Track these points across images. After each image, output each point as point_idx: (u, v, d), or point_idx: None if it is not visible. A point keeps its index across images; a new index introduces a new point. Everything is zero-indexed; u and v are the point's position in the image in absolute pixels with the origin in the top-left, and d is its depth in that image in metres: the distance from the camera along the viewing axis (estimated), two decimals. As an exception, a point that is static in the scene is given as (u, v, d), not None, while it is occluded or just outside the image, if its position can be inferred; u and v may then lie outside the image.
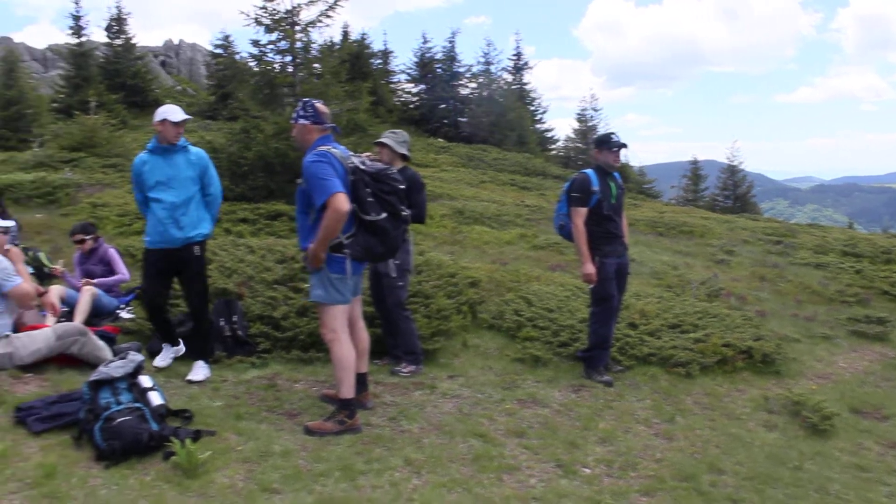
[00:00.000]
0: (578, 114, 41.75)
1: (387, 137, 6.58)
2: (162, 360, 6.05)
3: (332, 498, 4.08)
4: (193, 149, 6.11)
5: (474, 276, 9.30)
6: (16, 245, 9.03)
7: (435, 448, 4.87)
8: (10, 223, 5.97)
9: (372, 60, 41.16)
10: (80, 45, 30.39)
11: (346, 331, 5.05)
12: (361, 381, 5.40)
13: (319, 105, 5.09)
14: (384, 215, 4.89)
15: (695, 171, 40.11)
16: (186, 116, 6.02)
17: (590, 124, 41.33)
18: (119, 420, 4.37)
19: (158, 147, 5.90)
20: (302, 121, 5.04)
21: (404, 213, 5.05)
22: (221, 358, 6.38)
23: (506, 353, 7.42)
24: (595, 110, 41.57)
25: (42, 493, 3.86)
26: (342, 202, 4.66)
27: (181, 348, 6.24)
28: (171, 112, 5.91)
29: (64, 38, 31.59)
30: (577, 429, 5.52)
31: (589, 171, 6.68)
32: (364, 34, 42.47)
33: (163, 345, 6.22)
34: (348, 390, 5.00)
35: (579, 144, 41.28)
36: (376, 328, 6.75)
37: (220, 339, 6.55)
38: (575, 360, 7.06)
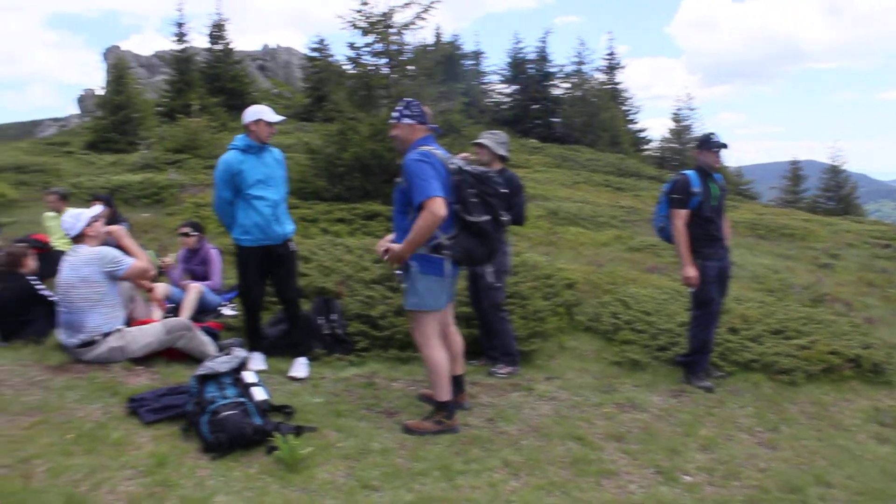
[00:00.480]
0: (673, 113, 40.92)
1: (486, 138, 6.57)
2: (256, 366, 6.11)
3: (431, 497, 4.10)
4: (274, 149, 6.23)
5: (570, 278, 9.21)
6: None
7: (533, 450, 4.84)
8: (97, 209, 6.17)
9: (464, 62, 41.31)
10: (182, 51, 31.44)
11: (437, 335, 5.03)
12: (458, 382, 5.40)
13: (424, 105, 5.11)
14: (487, 218, 4.84)
15: (795, 172, 38.75)
16: (281, 117, 6.13)
17: (685, 124, 40.46)
18: (224, 414, 4.49)
19: (252, 146, 5.99)
20: (406, 120, 5.00)
21: (504, 218, 5.02)
22: (321, 355, 6.49)
23: (603, 355, 7.33)
24: (690, 109, 40.69)
25: (154, 481, 4.00)
26: (440, 206, 4.62)
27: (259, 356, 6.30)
28: (267, 112, 6.01)
29: (168, 44, 32.80)
30: (678, 435, 5.40)
31: (689, 172, 6.54)
32: (456, 36, 42.60)
33: (252, 353, 6.21)
34: (445, 393, 5.00)
35: (674, 144, 40.43)
36: (473, 328, 6.77)
37: (320, 337, 6.67)
38: (674, 364, 6.91)
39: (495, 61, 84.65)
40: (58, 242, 9.50)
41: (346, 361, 6.46)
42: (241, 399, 4.65)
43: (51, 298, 6.20)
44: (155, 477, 4.04)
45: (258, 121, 5.94)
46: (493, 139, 6.56)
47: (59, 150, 23.98)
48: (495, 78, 44.58)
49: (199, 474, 4.13)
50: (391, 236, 5.16)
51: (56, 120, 44.00)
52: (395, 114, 5.09)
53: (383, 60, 15.46)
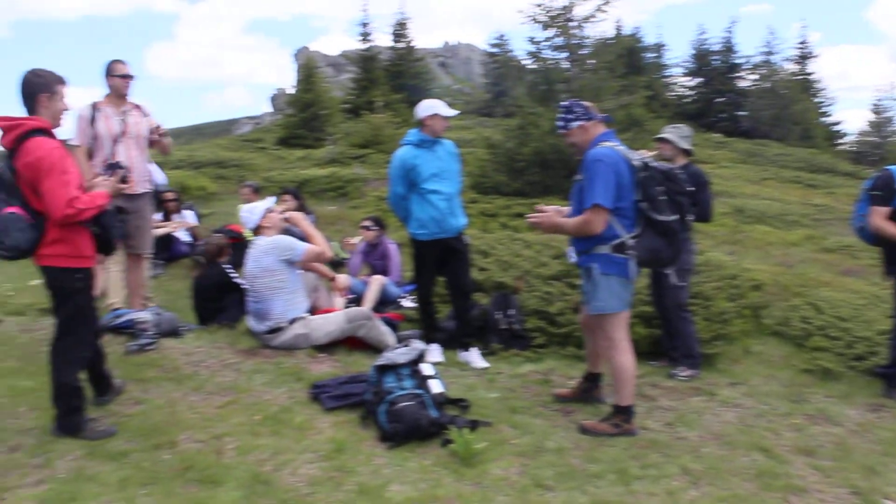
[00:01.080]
0: (873, 104, 37.96)
1: (669, 132, 6.33)
2: (433, 358, 6.18)
3: (606, 501, 3.97)
4: (446, 141, 6.24)
5: (757, 279, 8.74)
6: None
7: (714, 459, 4.59)
8: (271, 201, 6.45)
9: (645, 55, 40.21)
10: (367, 50, 32.55)
11: (625, 337, 4.85)
12: (594, 378, 5.35)
13: (584, 101, 4.93)
14: (675, 217, 4.63)
15: None
16: (455, 112, 6.14)
17: (886, 115, 37.38)
18: (402, 404, 4.57)
19: (426, 140, 6.04)
20: (575, 124, 4.82)
21: (690, 217, 4.81)
22: (497, 350, 6.49)
23: (792, 362, 6.89)
24: (893, 100, 37.63)
25: (333, 466, 4.13)
26: (599, 218, 4.52)
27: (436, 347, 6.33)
28: (441, 107, 6.05)
29: (353, 44, 34.06)
30: (876, 453, 4.95)
31: (893, 167, 6.00)
32: (637, 28, 41.51)
33: (429, 345, 6.24)
34: (628, 398, 4.83)
35: (874, 138, 37.48)
36: (654, 328, 6.56)
37: (497, 332, 6.67)
38: (872, 375, 6.38)
39: (678, 53, 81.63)
40: (251, 234, 10.03)
41: (523, 357, 6.41)
42: (419, 391, 4.71)
43: (243, 286, 6.55)
44: (333, 462, 4.17)
45: (433, 115, 6.00)
46: (677, 133, 6.30)
47: (253, 147, 25.47)
48: (678, 70, 43.09)
49: (376, 462, 4.22)
50: (562, 208, 5.06)
51: (251, 118, 46.79)
52: (559, 123, 4.92)
53: (563, 54, 15.33)
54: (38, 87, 4.14)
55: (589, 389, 5.35)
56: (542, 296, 7.12)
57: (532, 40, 15.44)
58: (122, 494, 3.75)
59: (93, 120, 6.30)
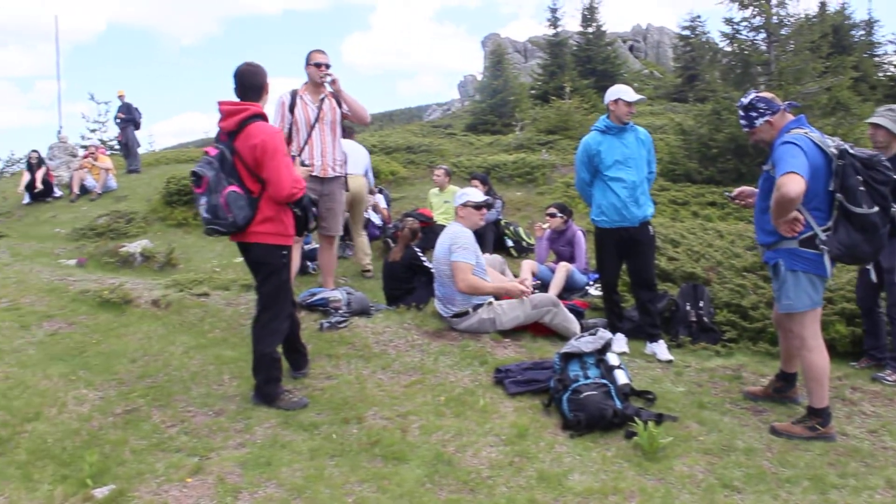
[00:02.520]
0: None
1: (881, 117, 5.76)
2: (618, 348, 6.01)
3: (801, 508, 3.74)
4: (639, 128, 6.07)
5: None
6: (499, 220, 9.88)
7: (928, 473, 4.20)
8: (479, 194, 6.45)
9: (853, 32, 37.37)
10: (555, 35, 32.31)
11: (818, 336, 4.52)
12: (788, 378, 5.04)
13: (762, 94, 4.58)
14: (875, 209, 4.20)
15: None
16: (640, 97, 5.95)
17: None
18: (586, 394, 4.50)
19: (612, 127, 5.92)
20: (762, 120, 4.50)
21: (894, 209, 4.34)
22: (685, 343, 6.28)
23: None
24: None
25: (514, 451, 4.13)
26: (794, 183, 4.03)
27: (621, 337, 6.19)
28: (625, 92, 5.88)
29: (542, 29, 33.89)
30: None
31: None
32: (845, 4, 38.51)
33: (615, 335, 6.11)
34: (822, 399, 4.50)
35: None
36: (855, 327, 6.10)
37: (685, 324, 6.45)
38: None
39: (892, 30, 75.41)
40: (439, 217, 10.24)
41: (712, 351, 6.16)
42: (604, 381, 4.62)
43: (431, 269, 6.67)
44: (515, 447, 4.17)
45: (616, 100, 5.87)
46: (891, 117, 5.73)
47: (442, 132, 25.97)
48: (891, 49, 39.76)
49: (557, 450, 4.18)
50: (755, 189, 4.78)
51: (440, 104, 47.79)
52: (743, 122, 4.62)
53: (762, 35, 14.54)
54: (261, 78, 4.59)
55: (782, 389, 5.04)
56: (735, 288, 6.81)
57: (728, 21, 14.75)
58: (312, 463, 3.94)
59: (292, 106, 6.64)
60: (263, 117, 4.54)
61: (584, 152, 6.00)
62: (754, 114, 4.52)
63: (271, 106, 6.47)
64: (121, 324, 6.41)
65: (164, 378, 5.12)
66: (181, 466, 3.89)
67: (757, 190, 4.71)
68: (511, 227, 10.23)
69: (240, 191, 4.39)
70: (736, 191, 4.92)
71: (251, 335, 4.69)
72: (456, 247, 5.98)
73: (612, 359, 4.87)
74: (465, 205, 6.27)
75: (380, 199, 11.27)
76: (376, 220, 10.78)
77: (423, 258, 7.04)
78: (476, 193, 6.41)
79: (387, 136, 23.73)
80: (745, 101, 4.59)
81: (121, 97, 18.11)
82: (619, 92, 5.90)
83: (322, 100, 6.73)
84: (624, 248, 6.04)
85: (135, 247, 10.11)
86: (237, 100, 4.54)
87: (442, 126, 29.02)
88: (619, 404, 4.50)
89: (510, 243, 10.08)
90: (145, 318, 6.58)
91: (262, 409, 4.58)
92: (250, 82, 4.55)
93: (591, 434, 4.38)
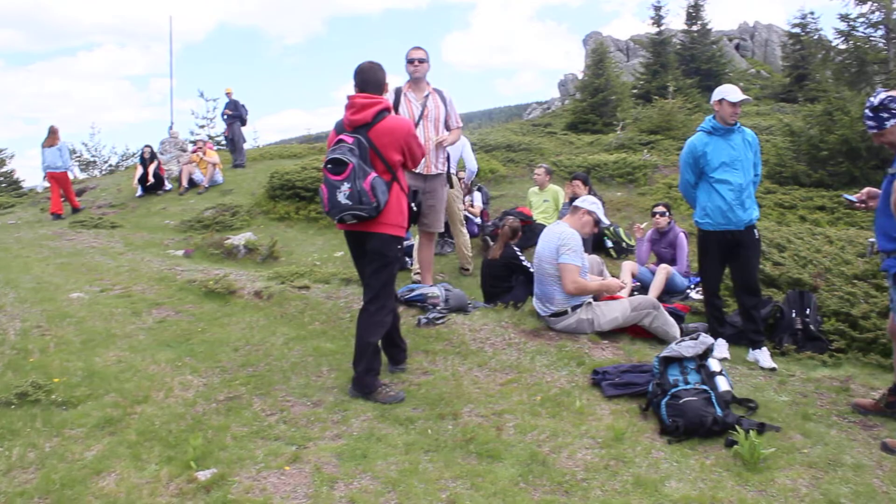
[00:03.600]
0: None
1: None
2: (719, 354, 5.85)
3: (916, 529, 3.55)
4: (747, 130, 5.89)
5: None
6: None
7: None
8: (592, 202, 6.33)
9: None
10: (659, 33, 31.74)
11: None
12: None
13: (893, 93, 4.26)
14: None
15: None
16: (744, 97, 5.77)
17: None
18: (685, 399, 4.38)
19: (719, 128, 5.77)
20: (892, 121, 4.22)
21: None
22: (790, 351, 6.06)
23: None
24: None
25: (610, 454, 4.06)
26: None
27: (723, 343, 6.02)
28: (729, 92, 5.71)
29: (644, 28, 33.31)
30: None
31: None
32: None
33: (716, 340, 5.93)
34: None
35: None
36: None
37: (791, 332, 6.22)
38: None
39: None
40: (538, 216, 10.19)
41: (819, 361, 5.92)
42: (704, 387, 4.50)
43: (530, 269, 6.63)
44: (611, 450, 4.10)
45: (721, 101, 5.72)
46: None
47: (542, 131, 25.85)
48: None
49: (654, 455, 4.09)
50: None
51: (540, 103, 47.50)
52: (870, 123, 4.33)
53: (880, 32, 13.93)
54: (381, 75, 4.78)
55: (895, 404, 4.80)
56: (844, 296, 6.53)
57: (844, 17, 14.18)
58: (407, 458, 3.96)
59: (396, 104, 6.71)
60: (391, 110, 4.75)
61: (690, 153, 5.87)
62: (885, 114, 4.24)
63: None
64: (224, 313, 6.63)
65: (264, 367, 5.28)
66: (280, 454, 3.98)
67: (881, 192, 4.49)
68: (611, 228, 10.08)
69: (381, 177, 4.56)
70: (862, 191, 4.67)
71: (356, 324, 4.77)
72: (565, 248, 5.91)
73: (713, 364, 4.74)
74: (588, 212, 6.21)
75: (476, 198, 11.27)
76: (474, 217, 10.76)
77: (522, 257, 7.01)
78: (601, 211, 6.31)
79: (486, 134, 23.74)
80: (874, 101, 4.31)
81: (228, 94, 18.66)
82: (724, 92, 5.75)
83: (426, 97, 6.79)
84: (728, 251, 5.88)
85: (239, 239, 10.43)
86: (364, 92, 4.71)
87: (542, 125, 28.85)
88: (719, 411, 4.36)
89: (610, 244, 9.93)
90: (248, 308, 6.78)
91: (359, 402, 4.65)
92: (373, 78, 4.71)
93: (690, 441, 4.26)
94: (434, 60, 6.90)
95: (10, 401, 4.56)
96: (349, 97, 4.68)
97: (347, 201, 4.44)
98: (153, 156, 16.44)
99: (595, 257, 6.92)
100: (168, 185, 16.45)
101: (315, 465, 3.88)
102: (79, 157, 30.29)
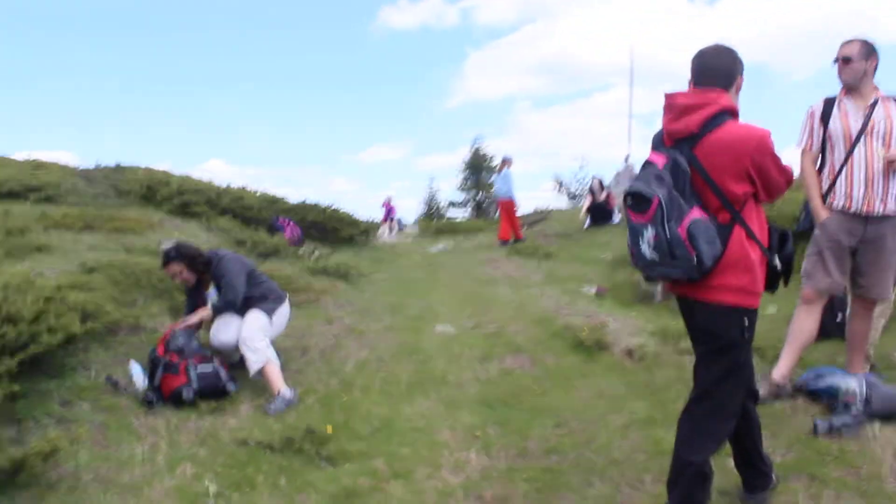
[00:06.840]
0: None
1: None
2: None
3: None
4: None
5: None
6: None
7: None
8: None
9: None
10: None
11: None
12: None
13: None
14: None
15: None
16: None
17: None
18: None
19: None
20: None
21: None
22: None
23: None
24: None
25: None
26: None
27: None
28: None
29: None
30: None
31: None
32: None
33: None
34: None
35: None
36: None
37: None
38: None
39: None
40: None
41: None
42: None
43: None
44: None
45: None
46: None
47: None
48: None
49: None
50: None
51: None
52: None
53: None
54: (729, 60, 3.06)
55: None
56: None
57: None
58: None
59: (826, 116, 4.85)
60: (735, 115, 2.99)
61: None
62: None
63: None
64: (581, 373, 5.50)
65: (572, 460, 3.93)
66: None
67: None
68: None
69: (706, 217, 2.90)
70: None
71: (676, 431, 3.19)
72: None
73: None
74: None
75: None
76: None
77: None
78: None
79: None
80: None
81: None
82: None
83: (872, 106, 4.79)
84: None
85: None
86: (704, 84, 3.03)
87: None
88: None
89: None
90: (611, 370, 5.55)
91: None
92: (714, 63, 3.03)
93: None
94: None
95: (272, 444, 4.00)
96: (666, 95, 3.06)
97: (654, 254, 2.90)
98: (602, 186, 15.87)
99: None
100: (616, 218, 15.71)
101: None
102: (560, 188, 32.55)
